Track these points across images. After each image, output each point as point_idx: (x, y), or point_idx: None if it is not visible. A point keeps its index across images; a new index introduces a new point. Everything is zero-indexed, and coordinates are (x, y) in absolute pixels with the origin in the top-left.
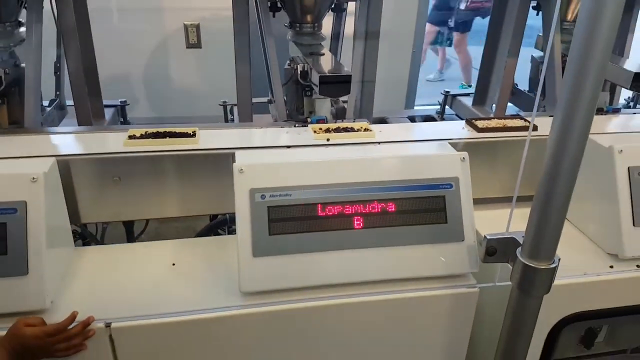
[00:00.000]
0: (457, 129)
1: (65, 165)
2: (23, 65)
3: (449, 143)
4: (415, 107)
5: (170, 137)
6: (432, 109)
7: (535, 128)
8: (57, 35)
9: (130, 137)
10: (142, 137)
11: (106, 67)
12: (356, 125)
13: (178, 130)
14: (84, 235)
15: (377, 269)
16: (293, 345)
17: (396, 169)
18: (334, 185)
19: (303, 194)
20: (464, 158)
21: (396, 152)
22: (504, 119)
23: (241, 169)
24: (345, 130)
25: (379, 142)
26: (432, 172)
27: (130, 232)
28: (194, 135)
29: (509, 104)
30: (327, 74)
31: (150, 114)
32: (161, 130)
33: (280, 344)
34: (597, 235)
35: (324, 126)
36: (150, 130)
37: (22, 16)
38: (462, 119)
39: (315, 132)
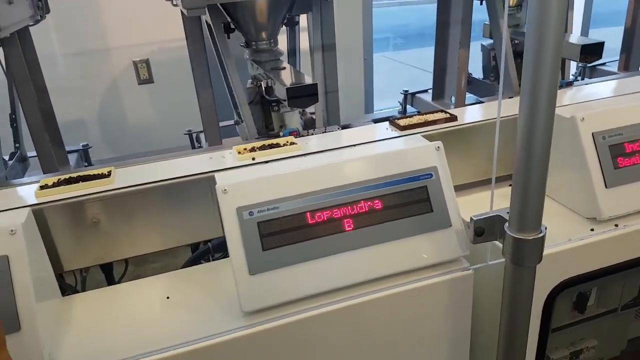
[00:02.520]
0: (382, 130)
1: (41, 215)
2: None
3: None
4: (375, 111)
5: (83, 181)
6: (395, 110)
7: (454, 118)
8: (8, 85)
9: (42, 187)
10: (54, 185)
11: (58, 114)
12: (281, 140)
13: (92, 172)
14: (63, 287)
15: (373, 267)
16: (301, 357)
17: (377, 166)
18: (319, 192)
19: (290, 205)
20: (438, 147)
21: (372, 151)
22: (426, 114)
23: (225, 189)
24: (271, 146)
25: (350, 145)
26: (411, 164)
27: (111, 278)
28: (109, 175)
29: (468, 94)
30: (295, 86)
31: (110, 155)
32: (74, 175)
33: (288, 358)
34: (573, 202)
35: (249, 145)
36: (64, 176)
37: None
38: None
39: (239, 152)
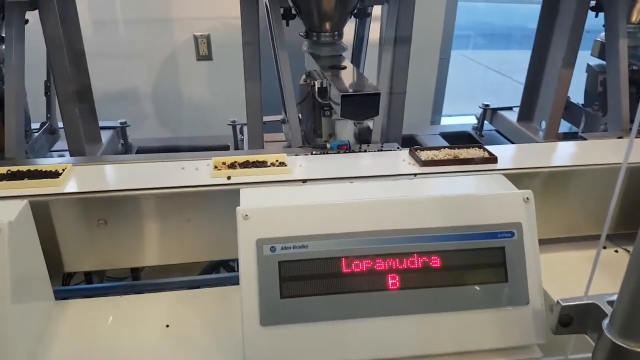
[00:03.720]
0: (398, 161)
1: (44, 207)
2: None
3: None
4: (443, 119)
5: (29, 178)
6: (468, 124)
7: (493, 159)
8: (47, 49)
9: None
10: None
11: (112, 82)
12: (270, 158)
13: (45, 168)
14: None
15: (419, 341)
16: None
17: (442, 211)
18: (362, 234)
19: (323, 245)
20: (527, 198)
21: (438, 189)
22: (459, 148)
23: (246, 214)
24: (255, 165)
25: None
26: (488, 216)
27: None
28: (58, 175)
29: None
30: (351, 92)
31: (159, 131)
32: (24, 168)
33: None
34: None
35: (230, 159)
36: (13, 168)
37: None
38: (504, 137)
39: (216, 167)
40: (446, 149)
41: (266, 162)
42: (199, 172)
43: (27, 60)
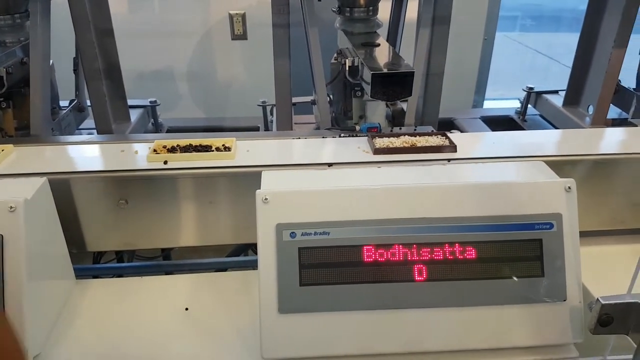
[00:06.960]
0: (353, 149)
1: (65, 184)
2: None
3: None
4: (486, 103)
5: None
6: (511, 108)
7: (452, 148)
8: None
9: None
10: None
11: (146, 61)
12: (217, 142)
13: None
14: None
15: (446, 336)
16: None
17: (474, 200)
18: (388, 222)
19: (346, 232)
20: (569, 187)
21: (472, 175)
22: (418, 135)
23: (265, 198)
24: (197, 149)
25: (449, 160)
26: (526, 205)
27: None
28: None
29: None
30: (382, 71)
31: (193, 112)
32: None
33: None
34: None
35: (172, 142)
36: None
37: None
38: (548, 122)
39: (155, 151)
40: (406, 135)
41: (211, 147)
42: (138, 156)
43: (60, 35)
